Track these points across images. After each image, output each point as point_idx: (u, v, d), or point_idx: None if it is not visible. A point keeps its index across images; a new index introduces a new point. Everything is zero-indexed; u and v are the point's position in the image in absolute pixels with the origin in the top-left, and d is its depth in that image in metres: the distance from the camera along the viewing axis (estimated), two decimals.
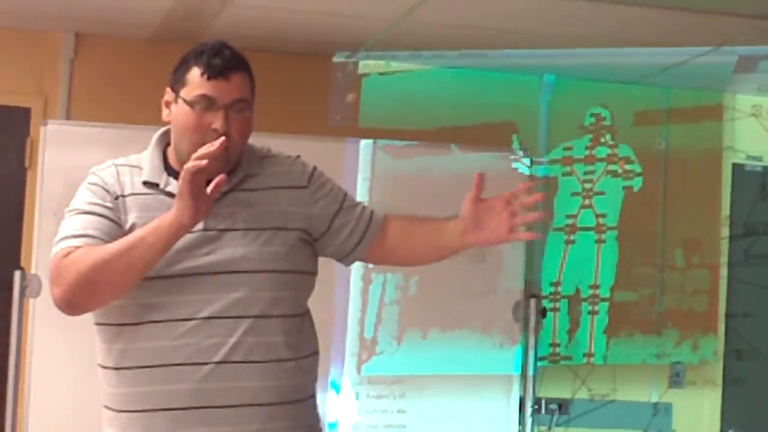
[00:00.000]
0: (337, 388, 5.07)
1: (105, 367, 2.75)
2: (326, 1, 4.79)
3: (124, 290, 2.63)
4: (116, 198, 2.72)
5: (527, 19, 4.90)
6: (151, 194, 2.73)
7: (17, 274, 4.74)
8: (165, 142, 2.81)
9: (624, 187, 5.86)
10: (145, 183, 2.74)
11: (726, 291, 5.97)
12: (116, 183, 2.74)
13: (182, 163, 2.64)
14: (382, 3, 4.74)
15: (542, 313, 5.23)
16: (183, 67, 2.73)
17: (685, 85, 5.86)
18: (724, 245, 5.97)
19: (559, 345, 5.74)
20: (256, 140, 2.89)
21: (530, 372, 5.21)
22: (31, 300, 4.71)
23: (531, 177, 5.46)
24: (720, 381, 5.95)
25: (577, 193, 5.82)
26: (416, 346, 5.14)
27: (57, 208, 2.79)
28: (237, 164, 2.75)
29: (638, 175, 5.87)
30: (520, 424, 5.22)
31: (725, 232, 5.97)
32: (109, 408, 2.75)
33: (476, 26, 5.05)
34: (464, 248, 2.81)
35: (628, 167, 5.86)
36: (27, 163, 5.23)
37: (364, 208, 2.90)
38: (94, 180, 2.76)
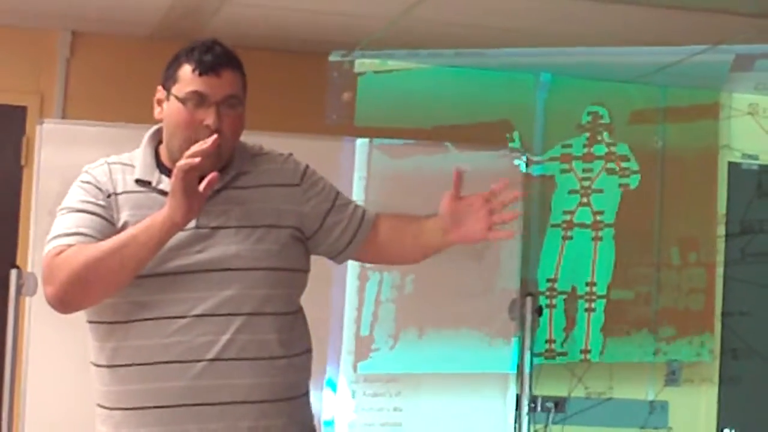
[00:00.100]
0: (333, 386, 5.08)
1: (98, 365, 2.74)
2: None
3: (117, 288, 2.63)
4: (108, 196, 2.71)
5: (524, 17, 4.90)
6: (143, 192, 2.73)
7: (13, 272, 4.74)
8: (157, 140, 2.80)
9: (621, 185, 5.86)
10: (137, 181, 2.74)
11: (722, 289, 5.97)
12: (109, 181, 2.74)
13: (174, 160, 2.64)
14: (380, 2, 4.74)
15: (538, 311, 5.23)
16: (174, 64, 2.73)
17: (682, 84, 5.86)
18: (721, 244, 5.97)
19: (554, 341, 5.74)
20: (253, 138, 2.89)
21: (526, 370, 5.22)
22: (27, 298, 4.72)
23: (527, 175, 5.47)
24: (716, 379, 5.96)
25: (575, 191, 5.82)
26: (412, 345, 5.15)
27: (53, 206, 2.78)
28: (229, 162, 2.75)
29: (635, 173, 5.88)
30: (516, 422, 5.23)
31: (721, 230, 5.97)
32: (101, 406, 2.75)
33: (473, 25, 5.05)
34: (445, 246, 2.80)
35: (625, 165, 5.87)
36: (23, 162, 5.23)
37: (356, 206, 2.90)
38: (86, 178, 2.76)
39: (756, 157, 6.06)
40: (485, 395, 5.21)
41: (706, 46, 5.17)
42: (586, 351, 5.78)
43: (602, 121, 5.86)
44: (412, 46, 5.39)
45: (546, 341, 5.72)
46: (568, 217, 5.80)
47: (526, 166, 5.46)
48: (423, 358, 5.14)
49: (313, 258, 2.89)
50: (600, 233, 5.83)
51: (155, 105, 2.78)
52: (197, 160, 2.52)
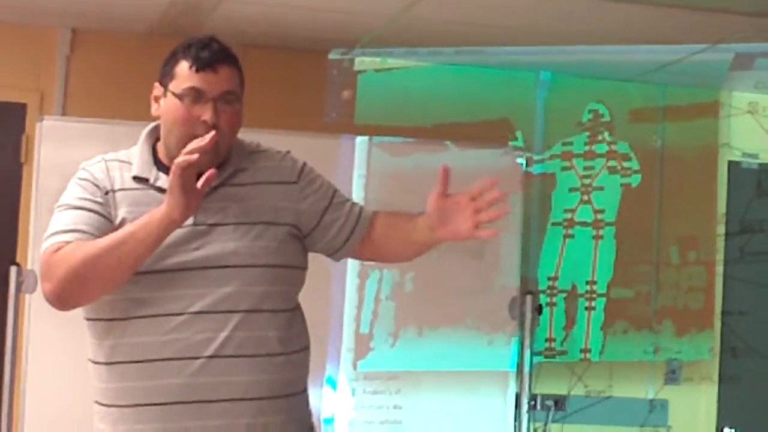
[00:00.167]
0: (333, 383, 5.08)
1: (96, 363, 2.75)
2: None
3: (115, 285, 2.63)
4: (106, 193, 2.72)
5: (524, 15, 4.90)
6: (140, 189, 2.73)
7: (13, 269, 4.74)
8: (154, 137, 2.81)
9: (622, 184, 5.86)
10: (134, 178, 2.74)
11: (722, 288, 5.97)
12: (106, 178, 2.74)
13: (172, 157, 2.64)
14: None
15: (538, 309, 5.24)
16: (171, 61, 2.74)
17: (682, 83, 5.86)
18: (720, 242, 5.97)
19: (554, 340, 5.74)
20: (253, 136, 2.89)
21: (526, 368, 5.22)
22: (27, 296, 4.72)
23: (527, 173, 5.48)
24: (716, 378, 5.95)
25: (576, 189, 5.82)
26: (412, 342, 5.14)
27: (53, 203, 2.78)
28: (227, 159, 2.75)
29: (636, 172, 5.87)
30: (516, 420, 5.23)
31: (721, 229, 5.97)
32: (99, 403, 2.75)
33: (473, 23, 5.05)
34: (434, 243, 2.80)
35: (626, 165, 5.87)
36: (23, 159, 5.23)
37: (353, 204, 2.90)
38: (83, 175, 2.76)
39: (756, 156, 6.06)
40: (485, 393, 5.21)
41: (705, 44, 5.17)
42: (586, 350, 5.78)
43: (603, 120, 5.86)
44: (411, 44, 5.39)
45: (546, 340, 5.72)
46: (569, 216, 5.80)
47: (527, 164, 5.46)
48: (423, 355, 5.14)
49: (313, 256, 2.90)
50: (601, 231, 5.83)
51: (152, 102, 2.78)
52: (195, 156, 2.52)
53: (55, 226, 2.69)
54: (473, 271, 5.16)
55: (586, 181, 5.82)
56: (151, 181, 2.74)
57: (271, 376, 2.71)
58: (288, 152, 2.88)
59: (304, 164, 2.87)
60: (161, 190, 2.67)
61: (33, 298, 4.67)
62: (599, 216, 5.83)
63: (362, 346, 5.13)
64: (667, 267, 5.90)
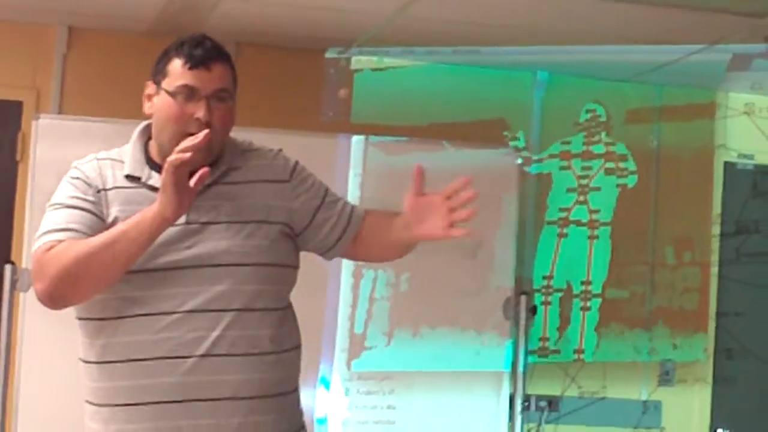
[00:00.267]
0: (326, 383, 5.07)
1: (87, 362, 2.75)
2: None
3: (107, 284, 2.63)
4: (98, 192, 2.72)
5: (521, 15, 4.90)
6: (133, 188, 2.73)
7: (8, 268, 4.74)
8: (147, 135, 2.81)
9: (618, 185, 5.87)
10: (127, 176, 2.75)
11: (717, 289, 5.97)
12: (98, 177, 2.74)
13: (164, 155, 2.64)
14: None
15: (532, 310, 5.24)
16: (164, 59, 2.74)
17: (678, 83, 5.86)
18: (716, 243, 5.97)
19: (548, 340, 5.75)
20: (250, 135, 2.89)
21: (520, 369, 5.22)
22: (21, 294, 4.71)
23: (523, 173, 5.48)
24: (710, 379, 5.95)
25: (573, 189, 5.82)
26: (406, 343, 5.14)
27: (48, 202, 2.78)
28: (219, 157, 2.76)
29: (633, 173, 5.88)
30: (509, 420, 5.23)
31: (716, 230, 5.97)
32: (90, 402, 2.75)
33: (469, 22, 5.05)
34: (410, 242, 2.80)
35: (623, 165, 5.87)
36: (18, 157, 5.23)
37: (345, 203, 2.91)
38: (75, 174, 2.77)
39: (751, 157, 6.06)
40: (479, 394, 5.20)
41: (702, 45, 5.17)
42: (580, 351, 5.78)
43: (600, 120, 5.87)
44: (408, 43, 5.39)
45: (540, 339, 5.72)
46: (564, 215, 5.80)
47: (523, 163, 5.47)
48: (417, 356, 5.14)
49: (308, 255, 2.90)
50: (596, 232, 5.83)
51: (145, 100, 2.79)
52: (188, 155, 2.52)
53: (47, 225, 2.69)
54: (468, 271, 5.16)
55: (584, 182, 5.82)
56: (144, 179, 2.74)
57: (263, 375, 2.71)
58: (280, 150, 2.88)
59: (296, 163, 2.87)
60: (153, 189, 2.67)
61: (27, 296, 4.67)
62: (594, 216, 5.83)
63: (356, 345, 5.13)
64: (663, 267, 5.90)
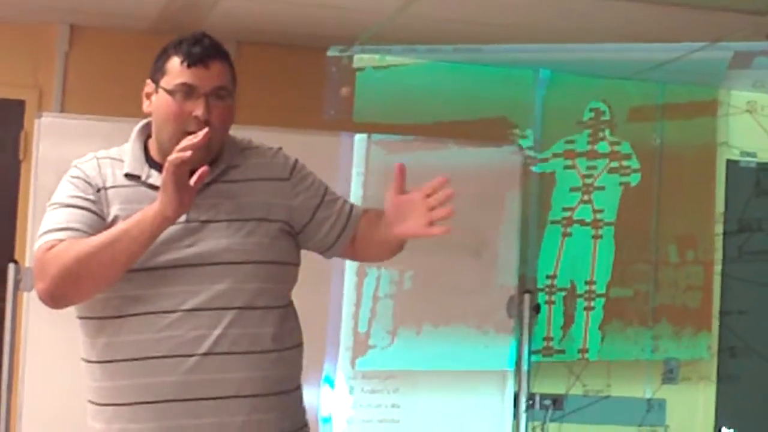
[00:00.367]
0: (331, 382, 5.07)
1: (88, 361, 2.75)
2: None
3: (108, 283, 2.63)
4: (98, 190, 2.72)
5: (523, 13, 4.90)
6: (132, 186, 2.73)
7: (11, 267, 4.75)
8: (146, 134, 2.81)
9: (621, 183, 5.86)
10: (126, 175, 2.74)
11: (720, 287, 5.97)
12: (98, 175, 2.74)
13: (163, 153, 2.65)
14: None
15: (536, 309, 5.24)
16: (163, 57, 2.74)
17: (680, 81, 5.86)
18: (718, 241, 5.96)
19: (552, 339, 5.74)
20: (252, 133, 2.89)
21: (524, 367, 5.22)
22: (25, 293, 4.72)
23: (526, 171, 5.48)
24: (714, 377, 5.95)
25: (577, 188, 5.81)
26: (410, 341, 5.14)
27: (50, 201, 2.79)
28: (219, 155, 2.75)
29: (636, 171, 5.87)
30: (514, 419, 5.23)
31: (719, 228, 5.97)
32: (93, 402, 2.75)
33: (471, 21, 5.05)
34: (393, 239, 2.78)
35: (626, 163, 5.86)
36: (21, 156, 5.23)
37: (344, 202, 2.91)
38: (75, 173, 2.76)
39: (754, 155, 6.05)
40: (483, 392, 5.20)
41: (704, 43, 5.17)
42: (584, 350, 5.77)
43: (603, 118, 5.86)
44: (410, 41, 5.39)
45: (544, 339, 5.72)
46: (568, 214, 5.80)
47: (526, 162, 5.46)
48: (421, 354, 5.14)
49: (311, 254, 2.90)
50: (600, 231, 5.82)
51: (144, 99, 2.79)
52: (188, 154, 2.52)
53: (48, 224, 2.69)
54: (472, 269, 5.16)
55: (588, 181, 5.82)
56: (143, 178, 2.74)
57: (265, 373, 2.71)
58: (279, 149, 2.88)
59: (296, 161, 2.87)
60: (153, 187, 2.67)
61: (31, 295, 4.66)
62: (598, 216, 5.82)
63: (360, 344, 5.13)
64: (666, 266, 5.90)
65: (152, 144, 2.78)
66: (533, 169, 5.70)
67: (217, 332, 2.65)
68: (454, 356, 5.16)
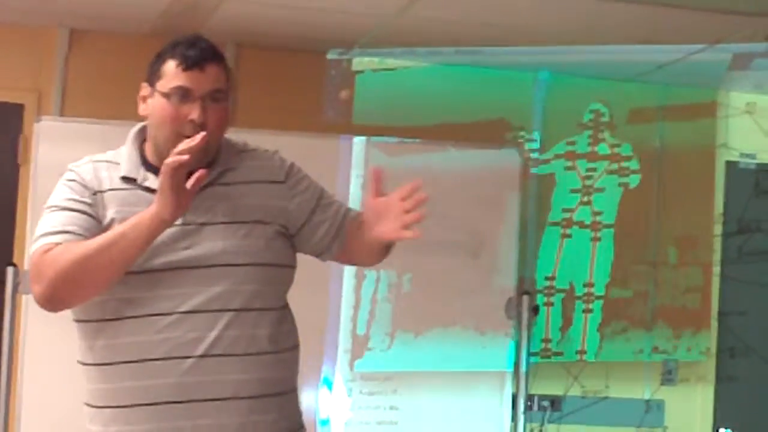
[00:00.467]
0: (329, 384, 5.08)
1: (85, 364, 2.75)
2: None
3: (105, 286, 2.63)
4: (94, 194, 2.72)
5: (523, 15, 4.90)
6: (129, 189, 2.73)
7: (10, 270, 4.74)
8: (142, 137, 2.81)
9: (621, 184, 5.86)
10: (123, 178, 2.74)
11: (719, 288, 5.97)
12: (94, 179, 2.74)
13: (160, 157, 2.65)
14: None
15: (534, 310, 5.24)
16: (158, 60, 2.75)
17: (680, 83, 5.86)
18: (718, 243, 5.97)
19: (550, 341, 5.74)
20: (250, 136, 2.90)
21: (523, 369, 5.22)
22: (24, 296, 4.71)
23: (525, 173, 5.48)
24: (713, 378, 5.95)
25: (577, 190, 5.82)
26: (409, 343, 5.14)
27: None
28: (215, 158, 2.76)
29: (635, 172, 5.87)
30: (512, 420, 5.23)
31: (718, 229, 5.97)
32: (90, 405, 2.75)
33: (471, 23, 5.05)
34: (372, 242, 2.77)
35: (625, 165, 5.87)
36: (20, 160, 5.23)
37: (340, 206, 2.91)
38: (71, 176, 2.77)
39: (753, 156, 6.06)
40: (481, 394, 5.20)
41: (704, 44, 5.17)
42: (583, 351, 5.78)
43: (603, 120, 5.86)
44: (410, 44, 5.39)
45: (542, 340, 5.72)
46: (567, 216, 5.80)
47: (526, 163, 5.47)
48: (419, 356, 5.14)
49: (310, 257, 2.90)
50: (599, 233, 5.82)
51: (140, 102, 2.79)
52: (185, 157, 2.52)
53: (44, 227, 2.69)
54: (470, 271, 5.16)
55: (588, 182, 5.82)
56: (139, 181, 2.74)
57: (262, 374, 2.71)
58: (276, 152, 2.89)
59: (292, 164, 2.88)
60: (149, 190, 2.67)
61: (30, 299, 4.65)
62: (598, 218, 5.83)
63: (359, 346, 5.13)
64: (665, 267, 5.90)
65: (148, 147, 2.78)
66: (534, 170, 5.71)
67: (213, 334, 2.66)
68: (453, 358, 5.16)
